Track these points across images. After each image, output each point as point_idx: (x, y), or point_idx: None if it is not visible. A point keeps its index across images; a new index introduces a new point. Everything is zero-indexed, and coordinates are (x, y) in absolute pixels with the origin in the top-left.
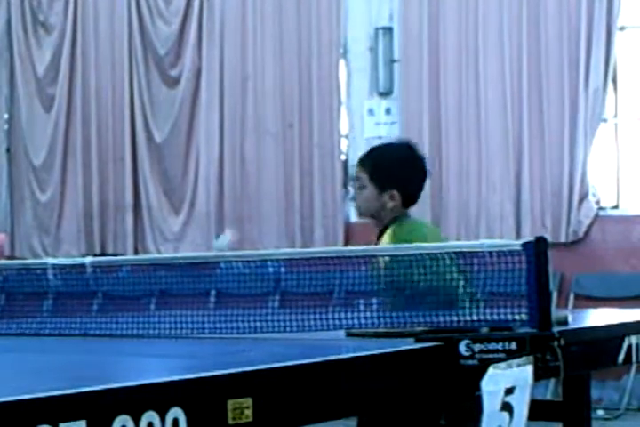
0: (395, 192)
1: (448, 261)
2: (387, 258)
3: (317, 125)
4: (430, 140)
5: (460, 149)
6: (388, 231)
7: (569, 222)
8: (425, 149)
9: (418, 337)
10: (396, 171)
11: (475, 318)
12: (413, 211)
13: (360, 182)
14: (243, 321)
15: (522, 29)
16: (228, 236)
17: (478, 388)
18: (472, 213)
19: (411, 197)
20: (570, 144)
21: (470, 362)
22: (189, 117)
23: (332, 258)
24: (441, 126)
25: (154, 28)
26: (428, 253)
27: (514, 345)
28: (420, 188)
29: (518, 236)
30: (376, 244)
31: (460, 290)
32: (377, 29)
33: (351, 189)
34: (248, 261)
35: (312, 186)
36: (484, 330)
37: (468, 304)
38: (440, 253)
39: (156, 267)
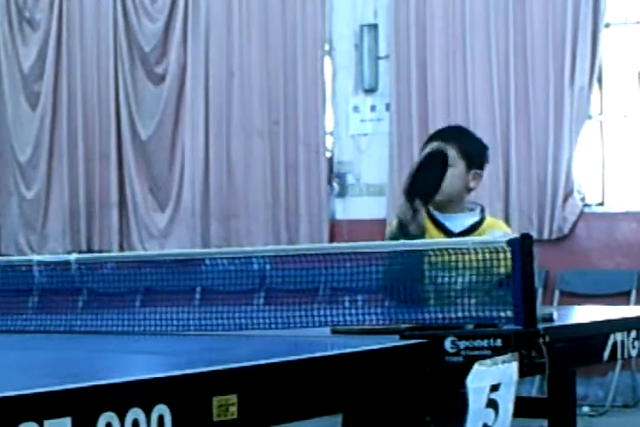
0: (479, 172)
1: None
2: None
3: (302, 122)
4: (419, 136)
5: None
6: (497, 226)
7: (554, 219)
8: (414, 147)
9: (403, 334)
10: (481, 150)
11: (460, 314)
12: None
13: (448, 160)
14: (228, 318)
15: (508, 27)
16: None
17: (463, 385)
18: None
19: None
20: (555, 141)
21: (455, 359)
22: (175, 114)
23: (317, 255)
24: (428, 123)
25: (139, 25)
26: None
27: (499, 342)
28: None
29: None
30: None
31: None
32: (362, 26)
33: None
34: (233, 258)
35: (297, 183)
36: (470, 327)
37: (453, 301)
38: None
39: (141, 264)
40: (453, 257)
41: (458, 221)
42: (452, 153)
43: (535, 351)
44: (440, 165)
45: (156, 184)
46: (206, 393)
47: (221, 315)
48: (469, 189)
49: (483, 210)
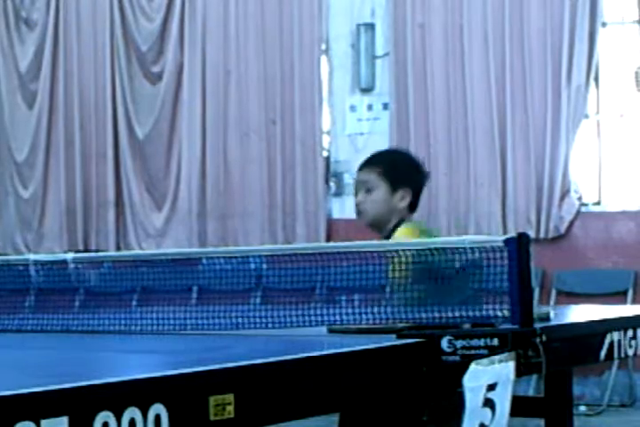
0: (407, 190)
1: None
2: (407, 253)
3: (299, 122)
4: (416, 136)
5: (448, 147)
6: (400, 229)
7: (551, 218)
8: (411, 147)
9: (400, 333)
10: (406, 169)
11: (457, 314)
12: None
13: (367, 185)
14: (225, 317)
15: (505, 26)
16: None
17: (460, 384)
18: (461, 211)
19: (415, 201)
20: (552, 140)
21: (452, 358)
22: (171, 113)
23: (314, 254)
24: (429, 124)
25: (136, 24)
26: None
27: (496, 341)
28: (421, 192)
29: (505, 232)
30: None
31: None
32: (359, 26)
33: (358, 196)
34: (230, 258)
35: (294, 182)
36: (466, 326)
37: (450, 300)
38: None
39: (138, 263)
40: (450, 256)
41: None
42: (372, 177)
43: (532, 351)
44: (367, 191)
45: (153, 183)
46: (203, 392)
47: (218, 314)
48: (401, 209)
49: (399, 223)
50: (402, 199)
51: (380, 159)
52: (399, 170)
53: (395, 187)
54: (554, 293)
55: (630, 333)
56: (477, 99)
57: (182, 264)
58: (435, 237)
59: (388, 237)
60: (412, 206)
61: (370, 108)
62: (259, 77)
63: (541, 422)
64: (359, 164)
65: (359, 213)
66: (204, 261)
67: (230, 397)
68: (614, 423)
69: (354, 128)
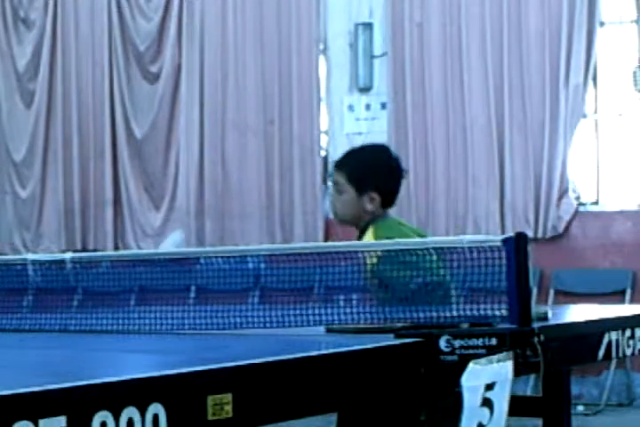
0: (374, 194)
1: (435, 257)
2: (374, 256)
3: (297, 121)
4: (414, 135)
5: (446, 146)
6: (369, 231)
7: (549, 218)
8: (409, 146)
9: (398, 333)
10: (373, 172)
11: (455, 313)
12: (403, 210)
13: (338, 186)
14: (223, 317)
15: (503, 25)
16: (178, 235)
17: (458, 384)
18: (460, 211)
19: (389, 199)
20: (550, 140)
21: (450, 358)
22: (169, 113)
23: (311, 254)
24: (427, 124)
25: (134, 24)
26: (412, 249)
27: (494, 341)
28: (397, 189)
29: (503, 232)
30: None
31: (445, 286)
32: (357, 25)
33: (330, 193)
34: (228, 257)
35: (292, 182)
36: (465, 326)
37: (448, 300)
38: (425, 249)
39: (136, 263)
40: (448, 256)
41: None
42: (341, 180)
43: (530, 350)
44: (337, 191)
45: (151, 183)
46: (201, 392)
47: (216, 314)
48: (371, 210)
49: (372, 221)
50: (370, 201)
51: (349, 162)
52: (366, 174)
53: (361, 191)
54: (552, 292)
55: (628, 332)
56: (475, 98)
57: (180, 264)
58: (411, 231)
59: (361, 233)
60: (387, 203)
61: (368, 107)
62: (256, 77)
63: (539, 421)
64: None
65: (333, 210)
66: (202, 260)
67: (228, 396)
68: (612, 423)
69: (352, 128)
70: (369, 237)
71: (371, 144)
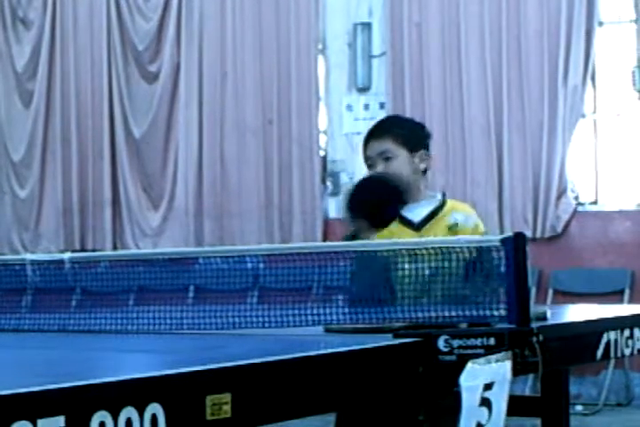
0: (424, 152)
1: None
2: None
3: (296, 121)
4: None
5: (445, 146)
6: (461, 206)
7: (547, 218)
8: None
9: (396, 333)
10: (414, 131)
11: (453, 313)
12: None
13: (385, 155)
14: (221, 317)
15: (502, 25)
16: None
17: (457, 383)
18: None
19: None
20: (549, 140)
21: (449, 358)
22: (168, 113)
23: (310, 254)
24: (425, 123)
25: (133, 24)
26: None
27: (492, 341)
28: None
29: (502, 232)
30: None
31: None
32: (355, 25)
33: (378, 168)
34: (227, 257)
35: (291, 182)
36: (463, 326)
37: (447, 300)
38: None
39: (134, 262)
40: (446, 255)
41: (417, 211)
42: (388, 146)
43: (528, 350)
44: (386, 159)
45: (150, 183)
46: (200, 392)
47: (215, 314)
48: (423, 172)
49: (444, 195)
50: (422, 161)
51: (388, 127)
52: (412, 133)
53: (412, 150)
54: (550, 292)
55: (627, 332)
56: (474, 98)
57: (179, 264)
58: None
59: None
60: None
61: (366, 107)
62: (255, 77)
63: (538, 421)
64: (364, 137)
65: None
66: (201, 260)
67: (227, 396)
68: (611, 423)
69: (350, 127)
70: (461, 211)
71: (393, 115)
